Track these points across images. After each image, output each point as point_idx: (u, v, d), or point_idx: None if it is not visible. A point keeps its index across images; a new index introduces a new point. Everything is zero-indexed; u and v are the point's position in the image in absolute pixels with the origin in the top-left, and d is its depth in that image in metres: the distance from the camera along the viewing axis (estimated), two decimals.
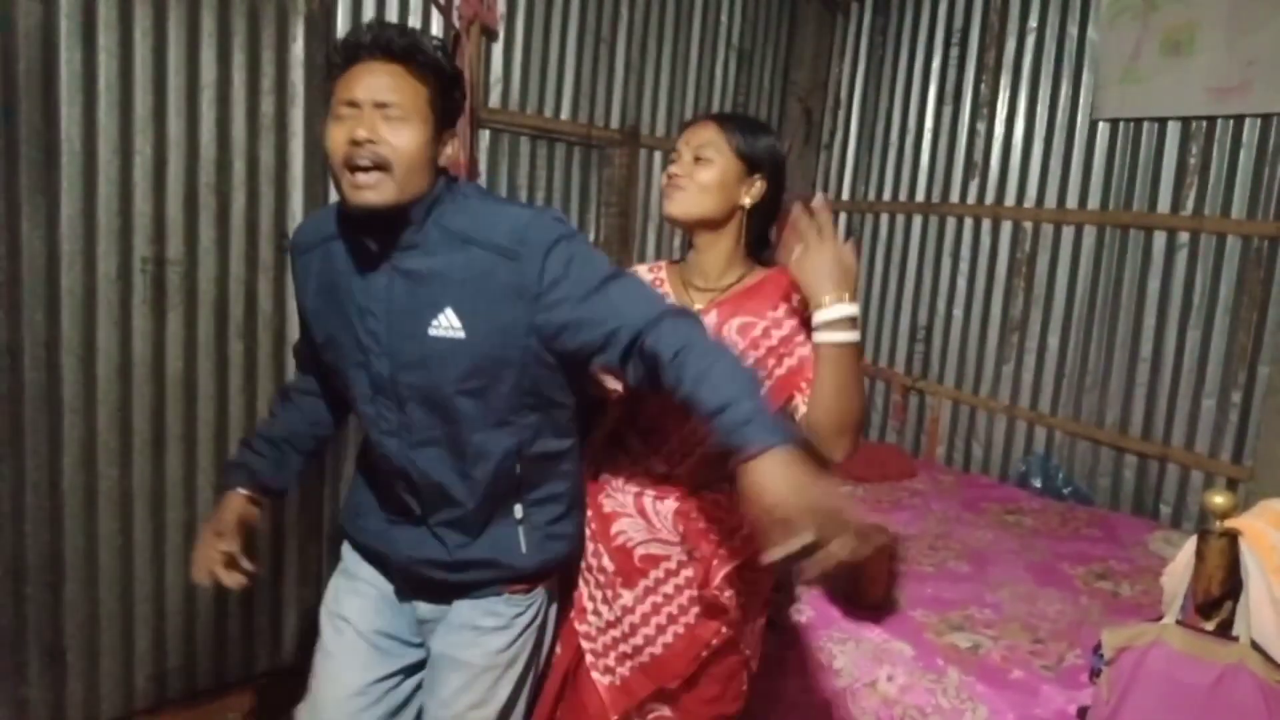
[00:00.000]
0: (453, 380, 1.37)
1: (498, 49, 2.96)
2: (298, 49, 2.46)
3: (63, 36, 2.10)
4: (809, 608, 2.01)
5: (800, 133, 3.95)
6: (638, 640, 1.57)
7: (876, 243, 3.81)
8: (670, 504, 1.57)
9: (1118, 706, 1.39)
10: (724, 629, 1.55)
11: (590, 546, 1.63)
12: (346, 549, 1.62)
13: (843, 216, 3.95)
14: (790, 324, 1.53)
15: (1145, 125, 2.95)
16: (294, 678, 2.65)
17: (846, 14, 3.93)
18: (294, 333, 2.56)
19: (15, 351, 2.12)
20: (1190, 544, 1.41)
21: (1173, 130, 2.88)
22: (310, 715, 1.56)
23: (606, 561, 1.60)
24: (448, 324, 1.35)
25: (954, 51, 3.50)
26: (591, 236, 3.33)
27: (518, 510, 1.49)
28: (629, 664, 1.58)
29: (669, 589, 1.57)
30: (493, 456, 1.42)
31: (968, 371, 3.46)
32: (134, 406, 2.31)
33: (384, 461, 1.47)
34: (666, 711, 1.60)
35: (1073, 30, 3.13)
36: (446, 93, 1.37)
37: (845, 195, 3.94)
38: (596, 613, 1.62)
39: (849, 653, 1.89)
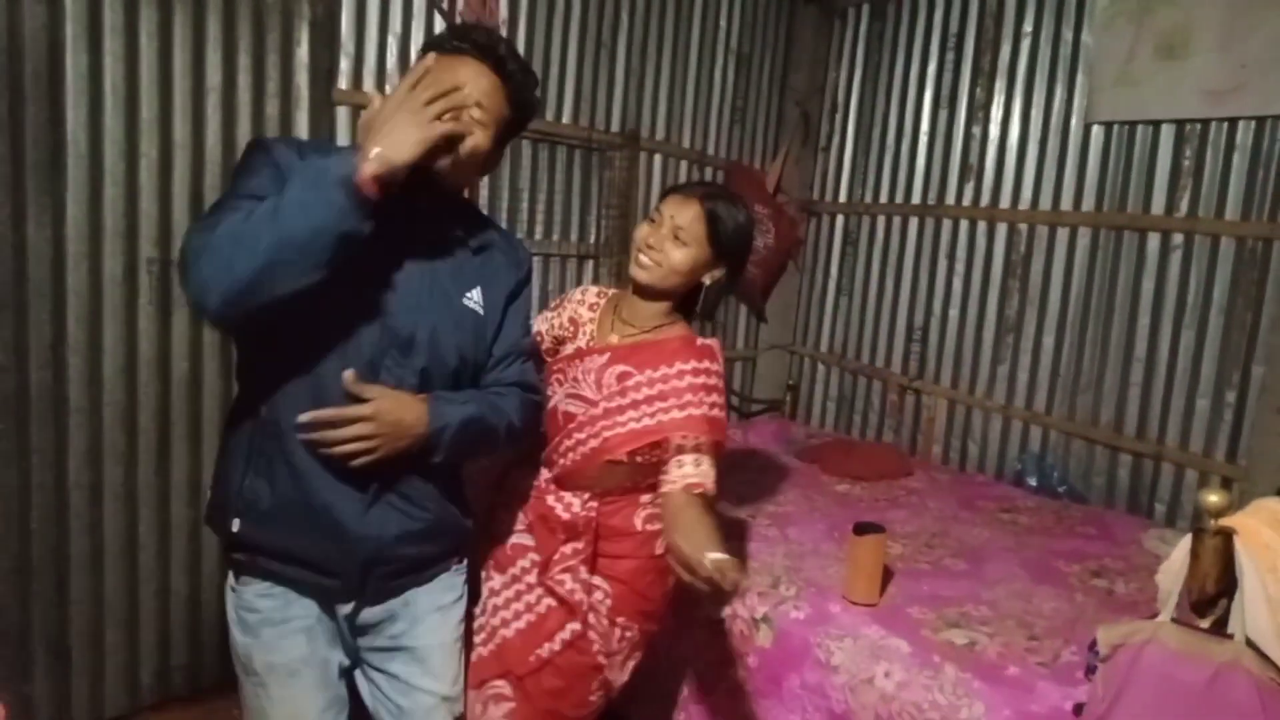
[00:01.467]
0: (457, 347, 1.45)
1: None
2: (302, 53, 2.48)
3: (69, 40, 2.11)
4: (806, 605, 2.04)
5: (798, 136, 3.98)
6: (495, 622, 1.72)
7: (873, 245, 3.83)
8: (544, 501, 1.73)
9: (1113, 703, 1.40)
10: (573, 625, 1.67)
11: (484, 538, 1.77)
12: (253, 595, 1.48)
13: (840, 218, 3.97)
14: (661, 388, 1.67)
15: (1140, 128, 2.98)
16: None
17: (844, 19, 3.95)
18: None
19: (21, 352, 2.13)
20: (1185, 542, 1.43)
21: (1167, 133, 2.91)
22: None
23: (488, 551, 1.78)
24: (475, 299, 1.48)
25: (950, 56, 3.53)
26: (592, 238, 3.36)
27: (454, 480, 1.56)
28: (486, 648, 1.72)
29: (532, 579, 1.72)
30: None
31: (964, 371, 3.49)
32: (140, 406, 2.32)
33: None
34: (507, 690, 1.69)
35: (1067, 34, 3.16)
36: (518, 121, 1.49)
37: (842, 198, 3.96)
38: (477, 598, 1.77)
39: (846, 649, 1.91)
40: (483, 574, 1.77)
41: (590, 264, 3.39)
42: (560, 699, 1.69)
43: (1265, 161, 2.70)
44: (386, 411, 1.33)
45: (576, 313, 1.84)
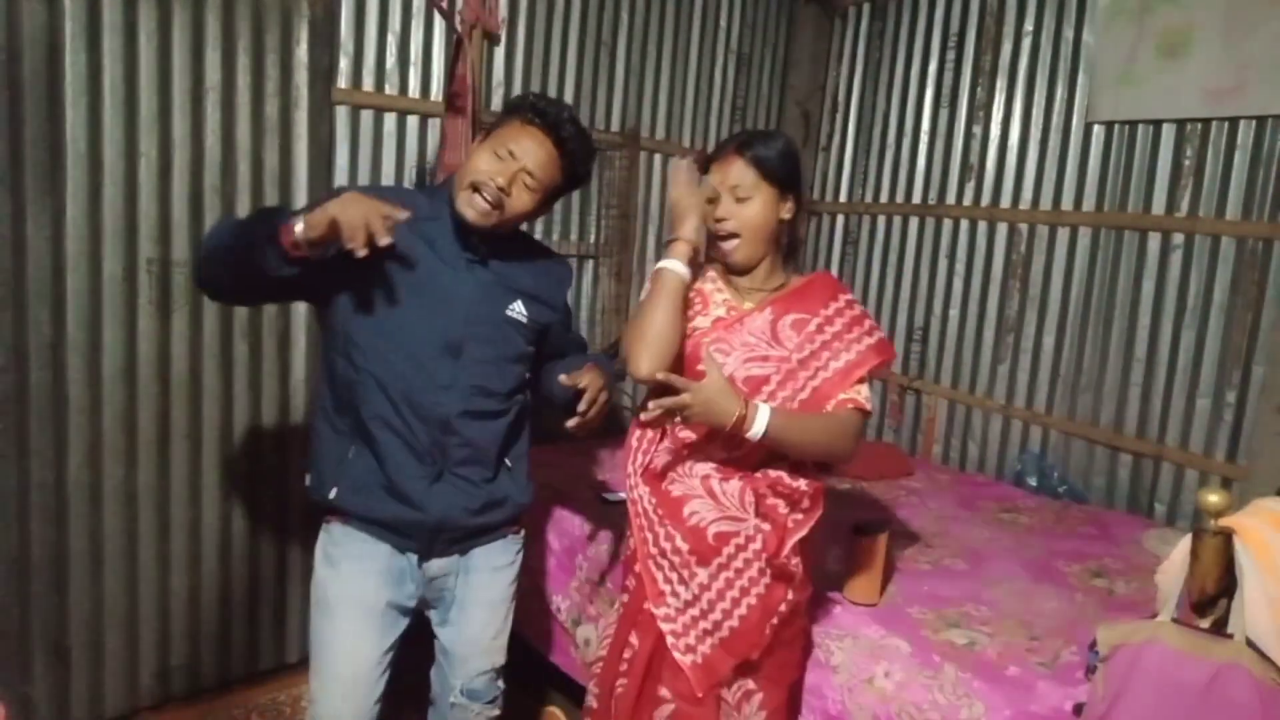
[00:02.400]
0: (497, 354, 1.78)
1: (499, 53, 2.98)
2: (301, 52, 2.48)
3: (68, 39, 2.11)
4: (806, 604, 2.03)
5: (798, 136, 3.97)
6: (716, 615, 1.66)
7: (874, 244, 3.83)
8: (736, 483, 1.69)
9: (1113, 703, 1.40)
10: (790, 594, 1.69)
11: (660, 532, 1.70)
12: (338, 535, 1.76)
13: (840, 218, 3.97)
14: (841, 321, 1.72)
15: (1140, 127, 2.98)
16: (298, 675, 2.69)
17: (844, 18, 3.95)
18: (297, 334, 2.59)
19: (21, 352, 2.14)
20: (1185, 542, 1.43)
21: (1168, 132, 2.91)
22: (335, 698, 1.74)
23: (680, 543, 1.68)
24: (519, 310, 1.81)
25: (950, 55, 3.53)
26: (593, 238, 3.36)
27: (508, 460, 1.85)
28: (709, 641, 1.66)
29: (739, 563, 1.66)
30: (510, 412, 1.82)
31: (964, 371, 3.49)
32: (139, 406, 2.32)
33: (415, 417, 1.70)
34: (751, 684, 1.69)
35: (1068, 33, 3.16)
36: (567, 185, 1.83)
37: (843, 197, 3.96)
38: (675, 594, 1.69)
39: (846, 649, 1.90)
40: (674, 570, 1.68)
41: (591, 264, 3.39)
42: (794, 670, 1.80)
43: (1266, 161, 2.70)
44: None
45: (699, 289, 1.75)
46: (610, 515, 2.46)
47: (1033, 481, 3.17)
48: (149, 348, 2.32)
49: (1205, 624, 1.40)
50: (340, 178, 2.67)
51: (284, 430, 2.60)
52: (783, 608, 1.68)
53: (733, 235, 1.69)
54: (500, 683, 1.93)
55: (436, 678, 1.93)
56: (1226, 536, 1.36)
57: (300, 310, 2.58)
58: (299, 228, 1.48)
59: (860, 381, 1.70)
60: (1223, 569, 1.37)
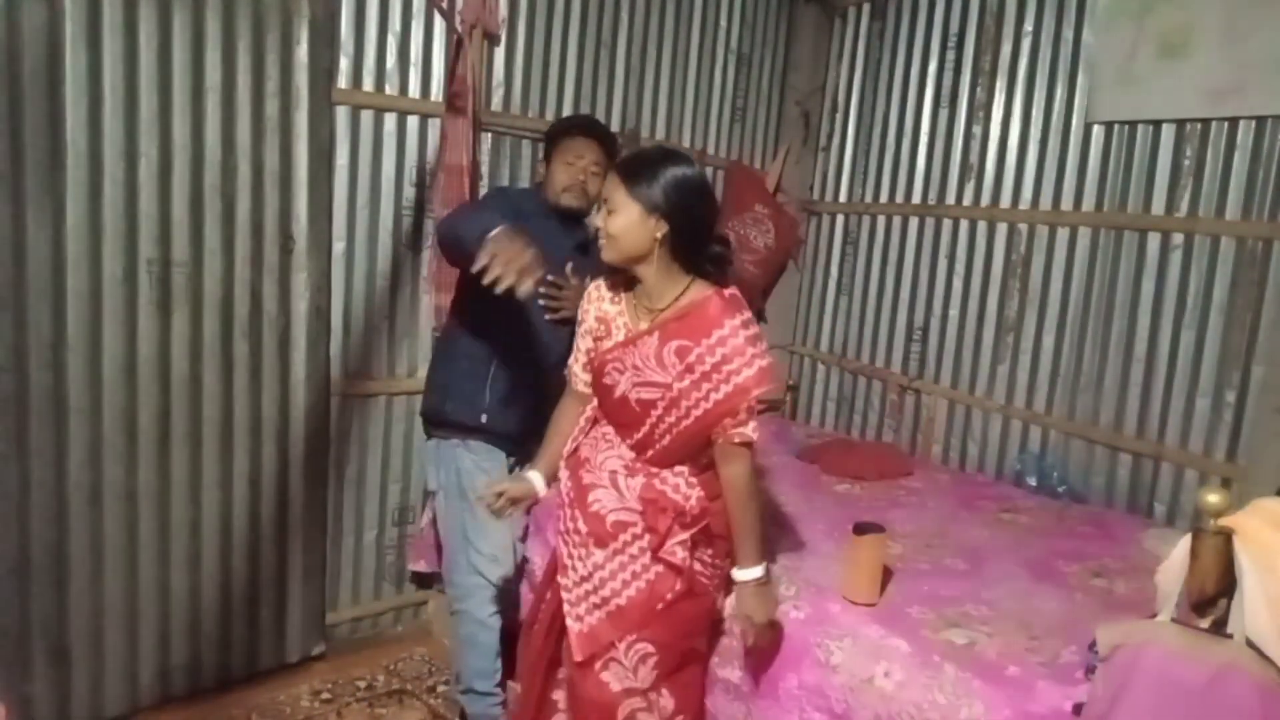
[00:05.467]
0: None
1: (499, 53, 2.98)
2: (301, 52, 2.48)
3: (68, 39, 2.11)
4: (806, 605, 2.04)
5: (798, 135, 3.98)
6: (605, 593, 1.87)
7: (874, 244, 3.83)
8: (639, 480, 1.89)
9: (1113, 703, 1.40)
10: (679, 584, 1.87)
11: (569, 513, 1.95)
12: (479, 448, 2.44)
13: (840, 218, 3.98)
14: (722, 350, 1.76)
15: (1140, 127, 2.97)
16: (298, 675, 2.69)
17: (844, 18, 3.95)
18: (298, 334, 2.59)
19: (21, 352, 2.14)
20: (1184, 542, 1.43)
21: (1167, 132, 2.91)
22: (499, 555, 2.40)
23: (582, 525, 1.90)
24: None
25: (950, 55, 3.53)
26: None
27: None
28: (597, 613, 1.87)
29: (634, 550, 1.87)
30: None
31: (964, 371, 3.48)
32: (140, 407, 2.33)
33: (536, 364, 2.45)
34: (648, 648, 1.87)
35: (1068, 34, 3.16)
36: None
37: (842, 197, 3.96)
38: (573, 569, 1.92)
39: (846, 649, 1.90)
40: (575, 548, 1.92)
41: None
42: (688, 639, 1.95)
43: (1266, 161, 2.69)
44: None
45: (601, 310, 1.95)
46: None
47: (1032, 481, 3.16)
48: (149, 348, 2.32)
49: (1205, 624, 1.40)
50: (340, 178, 2.68)
51: (284, 430, 2.60)
52: (669, 595, 1.86)
53: (602, 238, 1.85)
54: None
55: None
56: (1226, 536, 1.36)
57: (300, 310, 2.58)
58: (483, 243, 1.92)
59: (746, 411, 1.80)
60: (1222, 569, 1.37)
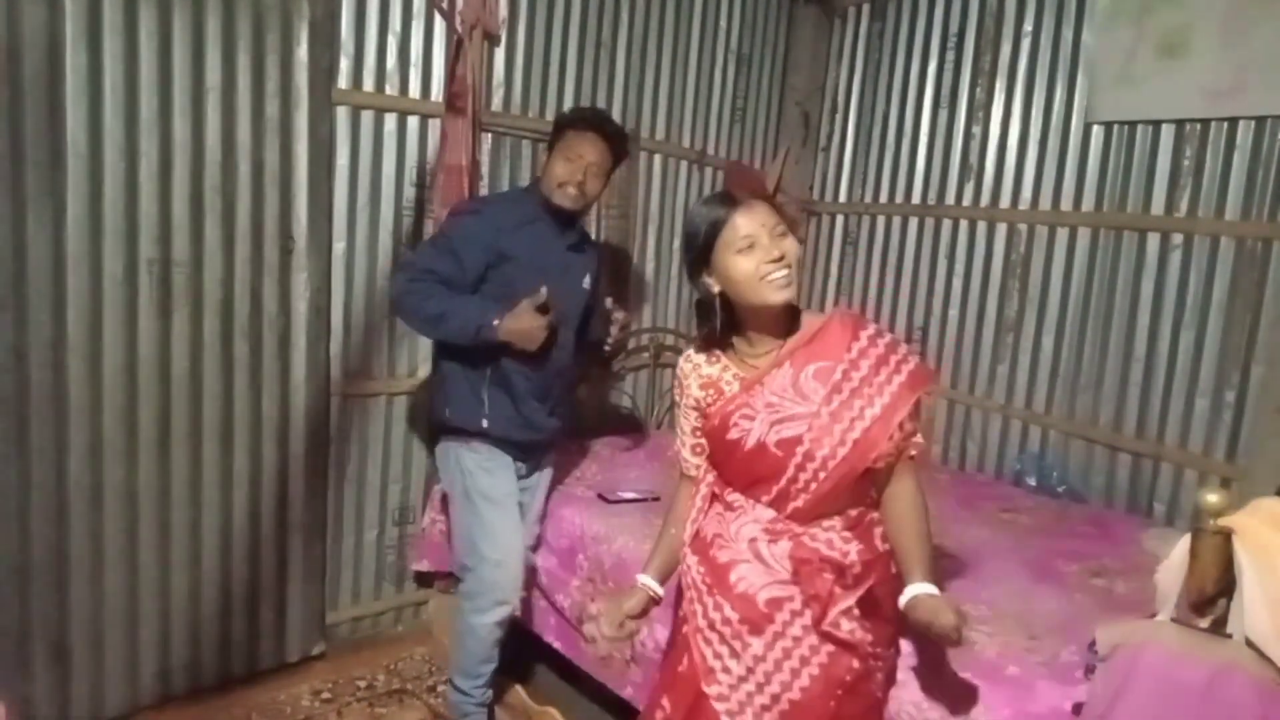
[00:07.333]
0: (577, 318, 2.51)
1: (500, 53, 2.98)
2: (301, 52, 2.48)
3: (68, 39, 2.11)
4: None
5: (798, 136, 3.98)
6: (774, 688, 1.55)
7: (873, 245, 3.83)
8: (784, 545, 1.60)
9: (1113, 703, 1.40)
10: (855, 663, 1.56)
11: (709, 602, 1.63)
12: (484, 451, 2.42)
13: (840, 218, 3.98)
14: (867, 362, 1.62)
15: (1140, 127, 2.98)
16: (298, 675, 2.69)
17: (844, 19, 3.95)
18: (298, 334, 2.59)
19: (22, 352, 2.14)
20: (1184, 542, 1.43)
21: (1167, 132, 2.91)
22: (513, 556, 2.37)
23: (729, 612, 1.59)
24: (587, 283, 2.54)
25: (950, 56, 3.53)
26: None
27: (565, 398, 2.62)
28: (767, 716, 1.56)
29: (797, 630, 1.56)
30: (572, 369, 2.59)
31: (963, 371, 3.49)
32: (140, 406, 2.32)
33: (536, 372, 2.39)
34: None
35: (1068, 34, 3.16)
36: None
37: (842, 198, 3.96)
38: (726, 670, 1.59)
39: None
40: (725, 644, 1.60)
41: None
42: None
43: (1265, 161, 2.70)
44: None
45: (703, 376, 1.71)
46: (611, 514, 2.53)
47: (1032, 481, 3.17)
48: (149, 348, 2.32)
49: (1204, 624, 1.40)
50: (340, 178, 2.68)
51: (284, 430, 2.60)
52: (848, 678, 1.56)
53: (787, 272, 1.60)
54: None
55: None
56: (1226, 536, 1.36)
57: (300, 310, 2.58)
58: (498, 336, 2.25)
59: (910, 419, 1.63)
60: (1222, 569, 1.37)
